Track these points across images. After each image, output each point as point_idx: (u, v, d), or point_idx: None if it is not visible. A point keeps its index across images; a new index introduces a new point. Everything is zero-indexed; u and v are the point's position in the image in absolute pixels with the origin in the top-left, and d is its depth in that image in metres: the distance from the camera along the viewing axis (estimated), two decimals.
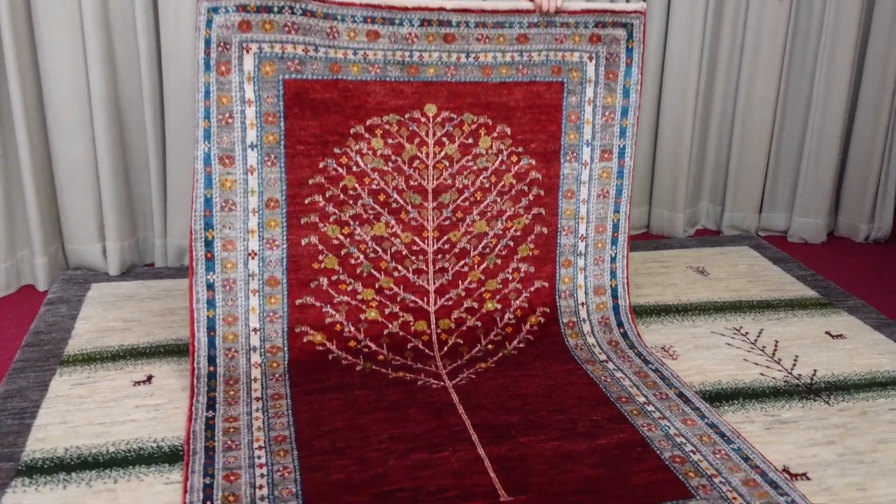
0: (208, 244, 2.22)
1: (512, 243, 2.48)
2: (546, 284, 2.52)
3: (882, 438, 2.07)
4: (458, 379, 2.25)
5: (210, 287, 2.23)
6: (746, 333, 2.60)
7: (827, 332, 2.63)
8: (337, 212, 2.33)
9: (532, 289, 2.51)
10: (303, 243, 2.30)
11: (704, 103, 3.37)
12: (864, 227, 3.46)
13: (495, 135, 2.41)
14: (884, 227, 3.45)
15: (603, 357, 2.39)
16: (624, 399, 2.18)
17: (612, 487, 1.83)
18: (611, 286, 2.57)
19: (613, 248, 2.58)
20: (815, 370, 2.39)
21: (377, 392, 2.18)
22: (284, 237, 2.28)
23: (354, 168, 2.32)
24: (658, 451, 1.96)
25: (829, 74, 3.25)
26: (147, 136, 2.81)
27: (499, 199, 2.45)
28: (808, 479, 1.91)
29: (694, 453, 1.96)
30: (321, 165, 2.29)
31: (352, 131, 2.30)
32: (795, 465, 1.96)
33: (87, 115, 2.73)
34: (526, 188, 2.47)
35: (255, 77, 2.17)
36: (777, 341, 2.56)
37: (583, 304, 2.54)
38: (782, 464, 1.96)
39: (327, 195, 2.31)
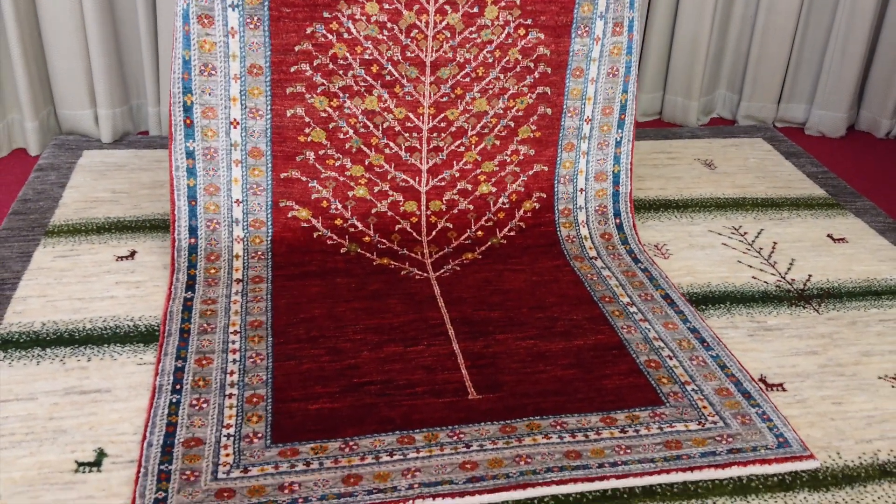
0: (187, 109, 2.14)
1: (513, 124, 2.37)
2: (545, 168, 2.42)
3: (867, 351, 2.04)
4: (442, 270, 2.22)
5: (190, 155, 2.17)
6: (745, 233, 2.53)
7: (829, 236, 2.56)
8: (325, 82, 2.22)
9: (530, 172, 2.41)
10: (288, 114, 2.22)
11: None
12: (886, 123, 3.31)
13: (503, 4, 2.24)
14: None
15: (593, 253, 2.34)
16: (608, 299, 2.14)
17: (581, 390, 1.82)
18: (613, 172, 2.46)
19: (620, 131, 2.45)
20: (809, 275, 2.34)
21: (359, 280, 2.16)
22: (268, 107, 2.20)
23: (346, 35, 2.19)
24: (634, 355, 1.94)
25: None
26: None
27: (502, 76, 2.31)
28: (783, 389, 1.89)
29: (670, 358, 1.94)
30: (309, 31, 2.16)
31: None
32: (773, 374, 1.94)
33: None
34: (532, 65, 2.32)
35: None
36: (775, 243, 2.49)
37: (581, 190, 2.45)
38: (760, 373, 1.94)
39: (315, 64, 2.20)
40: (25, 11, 2.64)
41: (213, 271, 2.14)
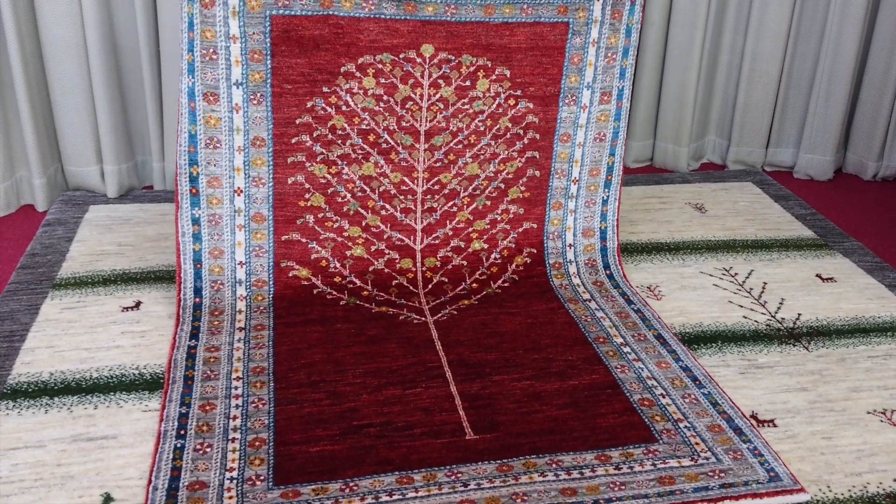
0: (193, 180, 2.22)
1: (503, 185, 2.46)
2: (534, 225, 2.51)
3: (856, 387, 2.08)
4: (439, 315, 2.27)
5: (195, 222, 2.25)
6: (735, 274, 2.59)
7: (818, 275, 2.61)
8: (324, 151, 2.31)
9: (520, 230, 2.50)
10: (289, 182, 2.30)
11: (713, 36, 3.27)
12: (872, 165, 3.39)
13: (494, 77, 2.35)
14: (892, 166, 3.38)
15: (587, 296, 2.40)
16: (601, 339, 2.19)
17: (576, 428, 1.86)
18: (600, 228, 2.56)
19: (606, 190, 2.55)
20: (798, 314, 2.39)
21: (358, 326, 2.21)
22: (270, 175, 2.28)
23: (344, 107, 2.29)
24: (627, 394, 1.98)
25: (843, 7, 3.14)
26: (141, 59, 2.79)
27: (493, 143, 2.41)
28: (774, 425, 1.93)
29: (663, 397, 1.98)
30: (309, 105, 2.26)
31: (342, 70, 2.26)
32: (764, 411, 1.98)
33: (80, 38, 2.71)
34: (521, 132, 2.42)
35: (241, 12, 2.12)
36: (765, 283, 2.55)
37: (570, 245, 2.53)
38: (751, 409, 1.98)
39: (315, 135, 2.29)
40: (35, 72, 2.74)
41: (216, 323, 2.20)
